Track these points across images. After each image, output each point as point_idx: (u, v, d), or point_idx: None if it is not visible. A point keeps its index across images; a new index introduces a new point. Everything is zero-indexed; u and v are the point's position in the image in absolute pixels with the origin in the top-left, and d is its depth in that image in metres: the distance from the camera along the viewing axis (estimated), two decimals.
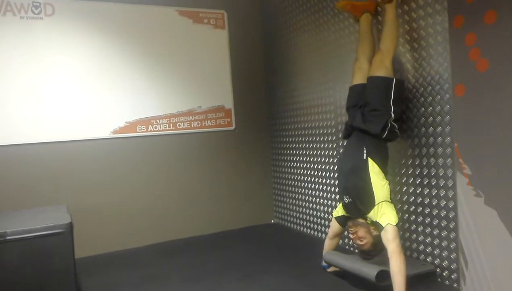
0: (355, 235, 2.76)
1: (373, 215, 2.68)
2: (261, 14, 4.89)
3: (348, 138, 2.98)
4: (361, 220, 2.74)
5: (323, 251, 3.16)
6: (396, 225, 2.61)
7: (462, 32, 2.44)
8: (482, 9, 2.32)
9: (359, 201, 2.73)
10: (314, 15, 3.97)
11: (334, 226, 3.09)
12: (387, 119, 2.72)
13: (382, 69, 2.77)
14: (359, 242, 2.75)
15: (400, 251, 2.54)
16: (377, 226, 2.67)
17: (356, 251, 2.87)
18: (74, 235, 2.64)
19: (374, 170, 2.72)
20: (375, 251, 2.73)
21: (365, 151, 2.74)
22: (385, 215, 2.64)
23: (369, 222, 2.72)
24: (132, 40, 4.21)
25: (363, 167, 2.72)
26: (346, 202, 2.82)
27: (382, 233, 2.62)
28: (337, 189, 2.99)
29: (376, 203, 2.67)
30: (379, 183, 2.71)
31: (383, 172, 2.75)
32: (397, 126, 2.79)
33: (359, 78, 2.98)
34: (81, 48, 3.99)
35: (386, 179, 2.77)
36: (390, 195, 2.77)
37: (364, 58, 3.00)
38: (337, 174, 3.11)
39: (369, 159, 2.72)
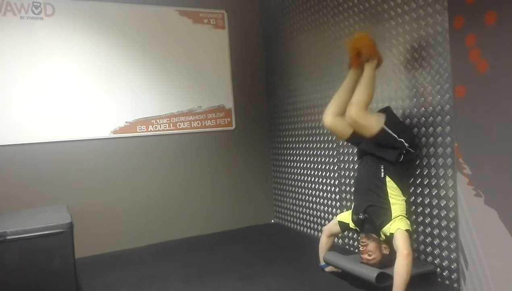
0: (365, 248, 2.77)
1: (386, 229, 2.70)
2: (261, 14, 4.89)
3: (364, 156, 2.95)
4: (374, 236, 2.77)
5: (319, 249, 3.18)
6: (406, 230, 2.63)
7: (462, 33, 2.44)
8: (482, 9, 2.32)
9: (376, 217, 2.75)
10: (314, 15, 3.97)
11: (334, 228, 3.10)
12: (400, 150, 2.73)
13: (366, 123, 2.69)
14: (367, 256, 2.76)
15: (407, 254, 2.52)
16: (389, 244, 2.70)
17: (356, 251, 2.87)
18: (74, 235, 2.64)
19: (391, 186, 2.75)
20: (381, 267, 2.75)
21: (382, 170, 2.76)
22: (397, 224, 2.68)
23: (382, 238, 2.74)
24: (132, 40, 4.20)
25: (381, 185, 2.75)
26: (361, 218, 2.83)
27: (393, 240, 2.64)
28: (353, 204, 2.99)
29: (392, 218, 2.70)
30: (396, 200, 2.74)
31: (400, 189, 2.77)
32: (412, 150, 2.78)
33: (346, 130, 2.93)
34: (81, 48, 3.99)
35: (404, 195, 2.79)
36: (405, 210, 2.79)
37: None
38: (353, 190, 3.12)
39: (387, 177, 2.75)
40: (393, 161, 2.73)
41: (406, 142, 2.72)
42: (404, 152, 2.73)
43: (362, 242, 2.82)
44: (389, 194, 2.74)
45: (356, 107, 2.67)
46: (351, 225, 2.96)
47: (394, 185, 2.75)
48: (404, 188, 2.82)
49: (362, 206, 2.82)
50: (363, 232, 2.84)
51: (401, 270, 2.49)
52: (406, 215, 2.78)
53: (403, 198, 2.78)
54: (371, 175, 2.81)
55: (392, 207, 2.72)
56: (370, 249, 2.74)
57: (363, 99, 2.70)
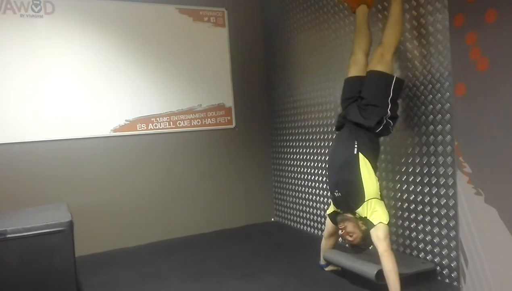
0: (344, 231, 2.73)
1: (362, 211, 2.66)
2: (261, 12, 4.89)
3: (340, 131, 2.94)
4: (349, 215, 2.72)
5: (321, 252, 3.16)
6: (387, 224, 2.60)
7: (462, 31, 2.43)
8: (482, 8, 2.31)
9: (349, 196, 2.71)
10: (314, 13, 3.97)
11: (329, 225, 3.08)
12: (383, 115, 2.70)
13: (383, 64, 2.73)
14: (348, 238, 2.72)
15: (391, 250, 2.54)
16: (366, 222, 2.65)
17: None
18: (75, 233, 2.64)
19: (364, 164, 2.68)
20: (365, 245, 2.73)
21: (356, 146, 2.70)
22: (376, 212, 2.62)
23: (357, 216, 2.70)
24: (132, 38, 4.20)
25: (353, 161, 2.69)
26: (336, 196, 2.79)
27: (372, 231, 2.60)
28: (328, 183, 2.97)
29: (366, 199, 2.65)
30: (369, 178, 2.67)
31: (373, 167, 2.71)
32: (392, 123, 2.76)
33: (355, 71, 2.93)
34: (81, 46, 3.99)
35: (376, 175, 2.73)
36: (380, 191, 2.74)
37: (360, 52, 2.96)
38: (327, 167, 3.06)
39: (360, 153, 2.69)
40: (372, 127, 2.69)
41: (390, 110, 2.69)
42: (384, 121, 2.70)
43: (339, 226, 2.77)
44: (361, 172, 2.66)
45: (387, 48, 2.74)
46: (336, 209, 2.89)
47: (368, 163, 2.68)
48: (376, 167, 2.76)
49: (336, 182, 2.78)
50: (338, 216, 2.80)
51: (391, 266, 2.48)
52: (380, 197, 2.72)
53: (376, 178, 2.71)
54: (345, 150, 2.76)
55: (364, 186, 2.65)
56: (349, 230, 2.70)
57: (393, 39, 2.76)
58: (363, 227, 2.69)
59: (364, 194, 2.66)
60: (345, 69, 3.50)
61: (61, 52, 3.90)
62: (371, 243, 2.67)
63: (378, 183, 2.72)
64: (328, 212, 3.03)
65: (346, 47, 3.55)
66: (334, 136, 3.78)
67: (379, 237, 2.55)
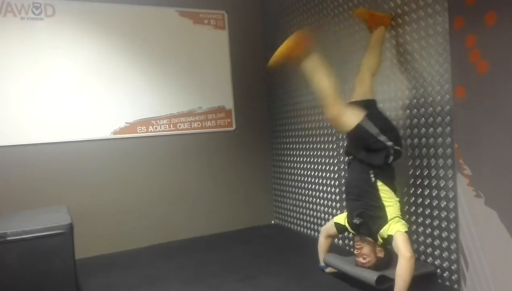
0: (359, 251, 2.75)
1: (384, 232, 2.66)
2: (261, 15, 4.89)
3: (352, 160, 2.87)
4: (369, 239, 2.75)
5: (318, 250, 3.17)
6: (405, 232, 2.59)
7: (462, 34, 2.44)
8: (482, 10, 2.32)
9: (371, 222, 2.71)
10: (314, 16, 3.97)
11: (331, 229, 3.08)
12: (386, 151, 2.65)
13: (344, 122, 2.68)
14: (361, 260, 2.74)
15: (410, 256, 2.46)
16: (386, 243, 2.68)
17: (356, 252, 2.86)
18: (75, 236, 2.64)
19: (384, 190, 2.69)
20: (375, 269, 2.73)
21: (372, 175, 2.69)
22: (395, 226, 2.63)
23: (379, 241, 2.72)
24: (133, 41, 4.21)
25: (373, 190, 2.69)
26: (356, 223, 2.79)
27: (393, 242, 2.59)
28: (346, 211, 2.97)
29: (388, 221, 2.66)
30: (390, 202, 2.69)
31: (392, 190, 2.72)
32: (400, 148, 2.70)
33: (360, 94, 2.88)
34: (81, 49, 3.99)
35: (397, 196, 2.74)
36: (400, 211, 2.75)
37: (368, 73, 2.91)
38: (345, 195, 3.06)
39: (377, 181, 2.69)
40: (381, 165, 2.67)
41: (391, 140, 2.64)
42: (392, 151, 2.66)
43: (356, 244, 2.79)
44: (382, 198, 2.68)
45: (332, 105, 2.65)
46: (348, 228, 2.93)
47: (386, 188, 2.69)
48: (395, 189, 2.76)
49: (356, 212, 2.78)
50: (358, 236, 2.82)
51: (403, 273, 2.45)
52: (401, 215, 2.74)
53: (397, 199, 2.73)
54: (361, 180, 2.74)
55: (387, 209, 2.67)
56: (364, 252, 2.72)
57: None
58: (379, 254, 2.72)
59: (386, 218, 2.66)
60: (345, 70, 3.51)
61: (61, 55, 3.91)
62: (381, 270, 2.68)
63: (398, 204, 2.73)
64: (337, 221, 3.02)
65: (346, 49, 3.55)
66: (334, 139, 3.78)
67: (397, 245, 2.54)
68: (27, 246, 2.48)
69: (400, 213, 2.73)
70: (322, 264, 3.13)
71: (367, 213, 2.71)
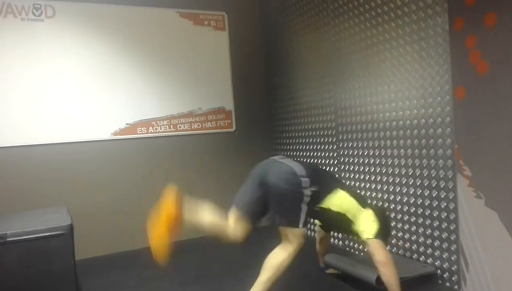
0: None
1: (355, 229, 2.61)
2: (261, 16, 4.90)
3: None
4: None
5: (318, 255, 3.19)
6: (375, 237, 2.49)
7: (462, 35, 2.44)
8: (482, 11, 2.32)
9: (341, 230, 2.80)
10: (314, 17, 3.98)
11: (320, 232, 3.12)
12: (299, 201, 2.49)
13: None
14: None
15: (385, 262, 2.43)
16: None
17: (356, 252, 2.87)
18: (75, 237, 2.64)
19: (331, 203, 2.56)
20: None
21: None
22: (363, 229, 2.54)
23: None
24: (133, 42, 4.21)
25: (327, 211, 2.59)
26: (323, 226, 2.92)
27: (366, 248, 2.58)
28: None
29: (353, 223, 2.59)
30: (346, 205, 2.57)
31: (335, 192, 2.59)
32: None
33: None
34: (81, 50, 3.99)
35: (347, 191, 2.61)
36: (363, 199, 2.68)
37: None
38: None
39: (322, 205, 2.56)
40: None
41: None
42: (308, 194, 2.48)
43: None
44: (337, 211, 2.57)
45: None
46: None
47: (331, 198, 2.56)
48: (337, 187, 2.61)
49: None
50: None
51: (388, 277, 2.42)
52: (363, 205, 2.60)
53: (345, 192, 2.59)
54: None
55: (346, 214, 2.58)
56: None
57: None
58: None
59: (350, 221, 2.59)
60: (345, 71, 3.52)
61: (61, 56, 3.91)
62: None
63: (352, 198, 2.60)
64: (319, 223, 3.07)
65: (346, 50, 3.55)
66: (334, 140, 3.78)
67: (371, 252, 2.49)
68: (27, 247, 2.48)
69: (359, 202, 2.59)
70: (322, 265, 3.14)
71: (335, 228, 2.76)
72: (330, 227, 3.03)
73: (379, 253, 2.45)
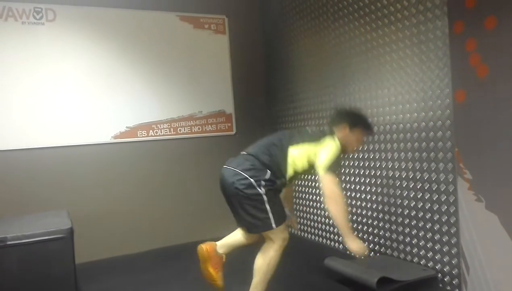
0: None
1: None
2: (261, 19, 4.91)
3: None
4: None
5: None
6: (325, 172, 2.32)
7: (462, 38, 2.44)
8: (482, 15, 2.32)
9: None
10: (314, 20, 3.98)
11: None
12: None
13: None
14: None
15: (330, 197, 2.32)
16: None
17: (356, 256, 2.85)
18: (75, 240, 2.64)
19: (296, 168, 2.49)
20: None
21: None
22: (317, 165, 2.41)
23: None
24: (133, 46, 4.22)
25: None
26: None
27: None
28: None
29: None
30: (304, 159, 2.47)
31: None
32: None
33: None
34: (82, 53, 4.00)
35: (295, 144, 2.51)
36: (313, 136, 2.52)
37: None
38: None
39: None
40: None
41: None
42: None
43: None
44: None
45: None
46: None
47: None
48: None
49: None
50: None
51: (332, 213, 2.34)
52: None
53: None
54: None
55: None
56: None
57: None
58: None
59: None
60: (345, 74, 3.53)
61: (62, 59, 3.92)
62: None
63: (307, 141, 2.50)
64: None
65: (346, 53, 3.56)
66: None
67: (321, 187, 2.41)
68: (27, 250, 2.48)
69: (314, 140, 2.50)
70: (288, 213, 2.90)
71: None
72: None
73: (326, 187, 2.33)
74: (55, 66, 3.89)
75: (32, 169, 3.80)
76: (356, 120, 2.56)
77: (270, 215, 2.41)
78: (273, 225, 2.42)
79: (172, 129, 4.39)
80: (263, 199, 2.40)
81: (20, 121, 3.75)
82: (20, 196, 3.73)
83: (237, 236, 2.75)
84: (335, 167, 2.38)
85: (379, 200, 3.30)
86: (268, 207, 2.40)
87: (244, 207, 2.45)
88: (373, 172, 3.35)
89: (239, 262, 3.69)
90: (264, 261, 2.52)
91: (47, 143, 3.85)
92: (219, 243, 2.76)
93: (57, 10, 3.90)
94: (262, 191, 2.39)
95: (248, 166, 2.50)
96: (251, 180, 2.41)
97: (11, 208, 3.60)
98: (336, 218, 2.34)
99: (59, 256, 2.54)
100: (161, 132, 4.34)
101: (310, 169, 2.50)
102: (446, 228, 2.74)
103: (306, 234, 4.32)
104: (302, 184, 4.31)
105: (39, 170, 3.82)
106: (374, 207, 3.36)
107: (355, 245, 2.28)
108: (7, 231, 2.54)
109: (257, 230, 2.50)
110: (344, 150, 2.52)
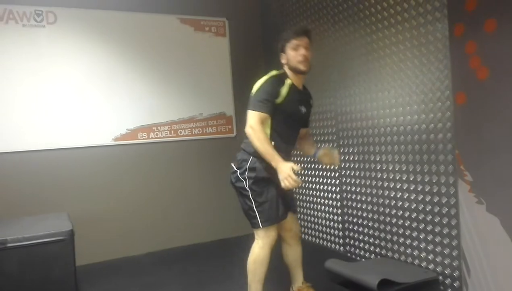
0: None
1: None
2: (262, 22, 4.92)
3: None
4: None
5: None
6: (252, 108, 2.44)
7: (462, 40, 2.45)
8: (482, 17, 2.33)
9: None
10: (314, 22, 3.99)
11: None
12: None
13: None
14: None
15: (249, 133, 2.42)
16: None
17: (358, 258, 2.86)
18: (75, 242, 2.64)
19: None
20: None
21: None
22: None
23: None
24: (134, 48, 4.23)
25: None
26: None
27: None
28: None
29: None
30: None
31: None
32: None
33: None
34: (83, 55, 4.01)
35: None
36: None
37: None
38: None
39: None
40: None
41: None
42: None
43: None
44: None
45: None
46: None
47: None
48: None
49: None
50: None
51: (255, 148, 2.36)
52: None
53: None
54: None
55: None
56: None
57: None
58: None
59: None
60: (345, 77, 3.53)
61: (63, 62, 3.92)
62: None
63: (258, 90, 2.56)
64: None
65: (346, 56, 3.57)
66: (335, 145, 3.78)
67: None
68: (28, 253, 2.48)
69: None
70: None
71: None
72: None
73: (247, 123, 2.38)
74: (55, 68, 3.89)
75: (33, 171, 3.80)
76: (281, 42, 2.60)
77: (256, 213, 2.40)
78: (260, 225, 2.40)
79: (172, 131, 4.39)
80: (248, 194, 2.40)
81: (20, 123, 3.76)
82: (21, 198, 3.73)
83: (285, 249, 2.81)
84: (263, 99, 2.46)
85: (379, 202, 3.30)
86: (253, 203, 2.39)
87: (240, 201, 2.52)
88: (374, 173, 3.35)
89: (236, 265, 3.69)
90: (250, 260, 2.52)
91: (48, 146, 3.85)
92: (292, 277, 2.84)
93: (57, 13, 3.91)
94: (247, 183, 2.40)
95: (237, 157, 2.53)
96: (237, 171, 2.45)
97: (11, 210, 3.61)
98: (261, 150, 2.32)
99: (59, 258, 2.55)
100: (161, 135, 4.34)
101: (275, 115, 2.49)
102: (447, 230, 2.74)
103: (306, 236, 4.31)
104: (302, 185, 4.31)
105: (40, 172, 3.82)
106: (374, 209, 3.36)
107: (286, 167, 2.21)
108: (8, 233, 2.55)
109: (254, 226, 2.48)
110: (296, 70, 2.57)
